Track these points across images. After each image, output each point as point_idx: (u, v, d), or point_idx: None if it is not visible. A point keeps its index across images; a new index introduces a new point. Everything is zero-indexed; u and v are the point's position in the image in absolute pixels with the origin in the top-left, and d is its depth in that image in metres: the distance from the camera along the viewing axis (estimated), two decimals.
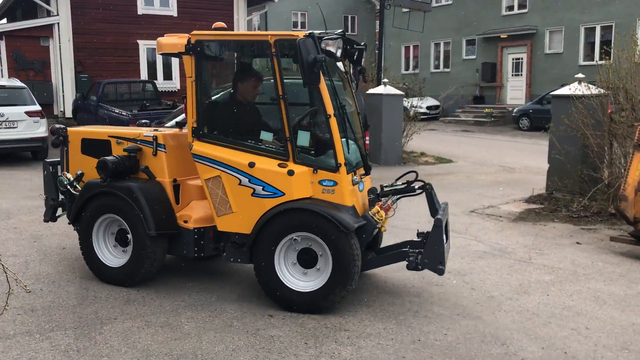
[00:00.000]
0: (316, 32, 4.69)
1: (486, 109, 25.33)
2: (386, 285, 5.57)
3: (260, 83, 5.32)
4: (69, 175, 5.65)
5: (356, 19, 39.33)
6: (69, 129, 5.86)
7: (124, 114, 13.78)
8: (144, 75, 19.09)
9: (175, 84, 19.61)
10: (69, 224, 5.83)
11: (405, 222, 7.35)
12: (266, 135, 5.05)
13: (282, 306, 4.89)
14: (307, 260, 4.86)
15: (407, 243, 5.40)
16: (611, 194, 8.32)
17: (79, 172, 5.62)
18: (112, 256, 5.47)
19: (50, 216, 6.02)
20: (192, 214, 5.26)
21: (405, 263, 5.02)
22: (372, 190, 5.21)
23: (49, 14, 18.49)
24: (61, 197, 5.90)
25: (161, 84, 18.84)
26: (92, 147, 5.64)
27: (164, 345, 4.27)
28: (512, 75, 26.89)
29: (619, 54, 8.97)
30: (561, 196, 9.22)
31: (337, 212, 4.69)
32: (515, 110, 23.43)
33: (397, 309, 4.98)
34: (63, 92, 18.46)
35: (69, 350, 4.15)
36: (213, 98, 5.44)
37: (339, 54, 4.74)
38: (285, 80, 4.76)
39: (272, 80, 4.82)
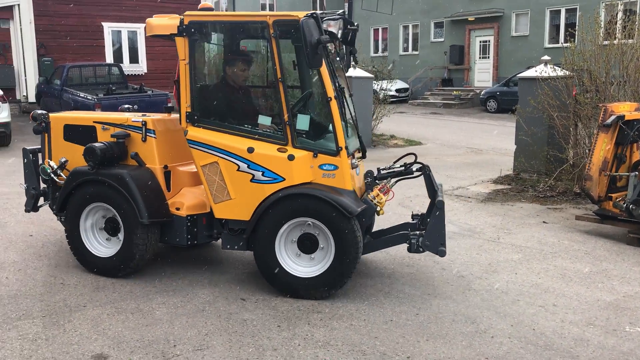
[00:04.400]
0: (317, 12, 4.59)
1: (454, 91, 25.52)
2: (358, 266, 5.59)
3: (250, 65, 5.21)
4: (52, 163, 5.43)
5: (325, 1, 39.04)
6: (50, 114, 5.61)
7: (90, 98, 13.48)
8: (109, 58, 18.66)
9: (142, 67, 19.24)
10: (54, 214, 5.64)
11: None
12: (264, 120, 4.94)
13: (284, 292, 4.82)
14: (308, 245, 4.78)
15: (403, 225, 5.40)
16: (576, 174, 8.49)
17: (63, 159, 5.40)
18: (101, 246, 5.31)
19: (32, 206, 5.79)
20: (184, 201, 5.12)
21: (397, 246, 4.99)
22: (368, 173, 5.15)
23: None
24: (43, 186, 5.69)
25: (127, 67, 18.46)
26: (75, 133, 5.43)
27: (135, 331, 4.23)
28: (480, 57, 27.10)
29: (583, 36, 9.10)
30: (528, 177, 9.39)
31: (340, 196, 4.61)
32: (482, 93, 23.65)
33: (369, 290, 5.02)
34: (25, 76, 17.96)
35: (37, 339, 4.08)
36: (208, 81, 5.27)
37: (339, 35, 4.66)
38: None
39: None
